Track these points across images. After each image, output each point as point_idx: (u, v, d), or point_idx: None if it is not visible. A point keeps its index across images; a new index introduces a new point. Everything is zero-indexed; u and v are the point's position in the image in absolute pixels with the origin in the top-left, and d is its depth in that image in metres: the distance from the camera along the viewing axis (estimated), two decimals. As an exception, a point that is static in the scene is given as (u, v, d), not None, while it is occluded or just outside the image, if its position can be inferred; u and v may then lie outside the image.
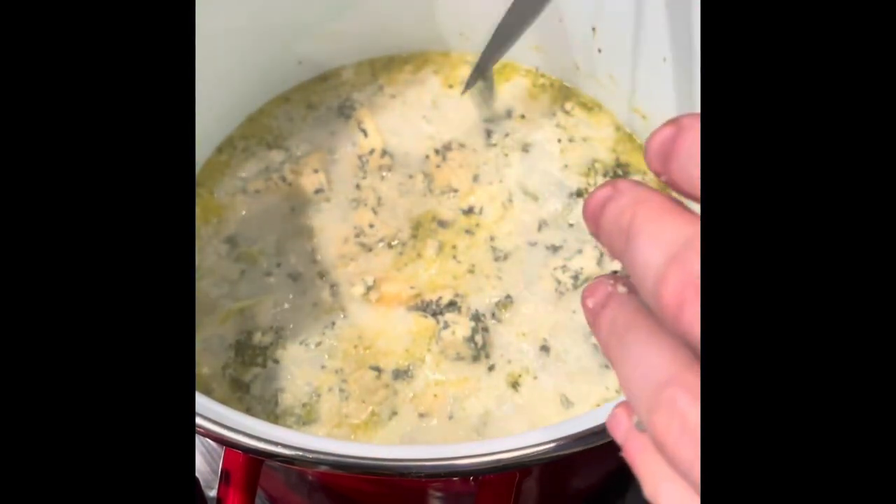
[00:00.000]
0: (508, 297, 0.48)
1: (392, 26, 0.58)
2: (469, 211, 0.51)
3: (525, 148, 0.54)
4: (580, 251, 0.49)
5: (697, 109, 0.46)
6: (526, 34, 0.55)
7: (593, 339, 0.45)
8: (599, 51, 0.53)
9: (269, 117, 0.57)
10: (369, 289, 0.48)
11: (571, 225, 0.50)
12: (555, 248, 0.50)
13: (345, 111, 0.57)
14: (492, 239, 0.50)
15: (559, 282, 0.48)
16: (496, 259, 0.49)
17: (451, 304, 0.47)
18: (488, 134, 0.55)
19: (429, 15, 0.57)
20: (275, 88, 0.58)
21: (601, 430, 0.29)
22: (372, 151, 0.54)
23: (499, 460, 0.29)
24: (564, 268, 0.49)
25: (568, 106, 0.56)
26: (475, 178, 0.53)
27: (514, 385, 0.45)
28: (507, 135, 0.55)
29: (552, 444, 0.29)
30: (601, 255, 0.49)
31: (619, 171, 0.53)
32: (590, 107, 0.56)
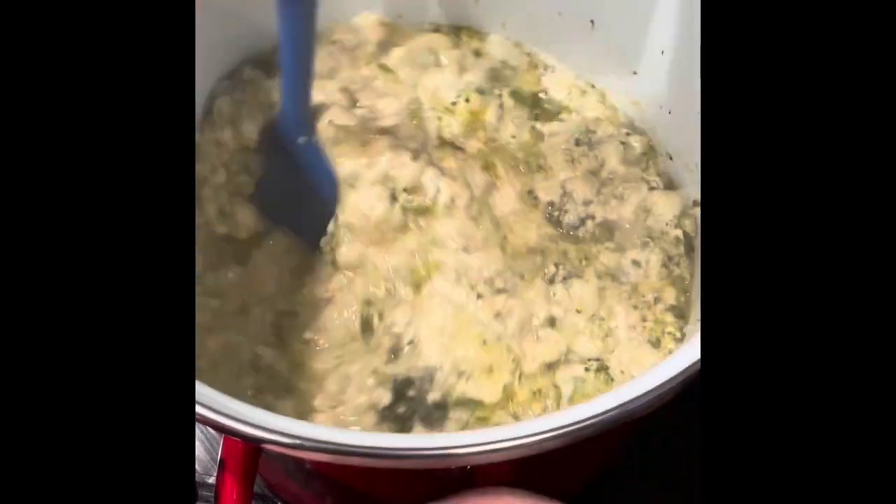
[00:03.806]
0: None
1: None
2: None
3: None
4: None
5: (696, 101, 0.46)
6: (524, 27, 0.55)
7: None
8: (598, 44, 0.53)
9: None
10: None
11: None
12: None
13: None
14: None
15: None
16: None
17: None
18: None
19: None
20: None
21: (600, 419, 0.30)
22: None
23: (497, 449, 0.29)
24: None
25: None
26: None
27: None
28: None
29: (550, 434, 0.29)
30: None
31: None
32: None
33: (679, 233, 0.48)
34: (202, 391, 0.31)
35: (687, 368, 0.31)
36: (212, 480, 0.49)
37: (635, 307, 0.46)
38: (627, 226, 0.49)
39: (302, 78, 0.46)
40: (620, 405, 0.30)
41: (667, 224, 0.49)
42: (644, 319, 0.46)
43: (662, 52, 0.48)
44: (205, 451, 0.54)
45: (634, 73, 0.52)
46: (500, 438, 0.30)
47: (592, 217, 0.50)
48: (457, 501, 0.33)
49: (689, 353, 0.31)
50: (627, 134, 0.53)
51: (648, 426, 0.50)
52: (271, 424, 0.30)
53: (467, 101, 0.54)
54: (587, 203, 0.50)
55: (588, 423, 0.30)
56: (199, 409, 0.30)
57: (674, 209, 0.49)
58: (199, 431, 0.54)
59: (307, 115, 0.48)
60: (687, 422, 0.42)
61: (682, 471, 0.50)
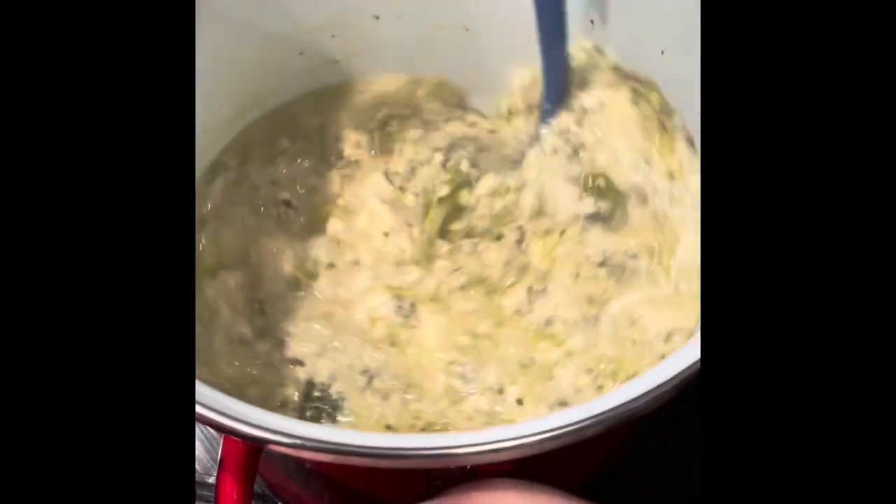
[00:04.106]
0: None
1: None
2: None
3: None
4: None
5: (696, 101, 0.46)
6: (524, 28, 0.55)
7: None
8: (598, 43, 0.53)
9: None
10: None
11: None
12: None
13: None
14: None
15: None
16: None
17: None
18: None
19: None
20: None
21: (600, 419, 0.30)
22: None
23: (497, 449, 0.29)
24: None
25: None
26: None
27: None
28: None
29: (550, 434, 0.29)
30: None
31: None
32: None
33: (668, 349, 0.41)
34: (202, 391, 0.31)
35: (686, 368, 0.31)
36: (212, 480, 0.49)
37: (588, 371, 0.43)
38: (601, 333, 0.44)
39: (555, 49, 0.47)
40: (620, 405, 0.30)
41: (654, 338, 0.42)
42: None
43: (662, 52, 0.48)
44: (205, 451, 0.54)
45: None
46: (500, 438, 0.30)
47: (564, 321, 0.45)
48: (458, 494, 0.33)
49: (688, 353, 0.31)
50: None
51: (648, 426, 0.50)
52: (272, 424, 0.30)
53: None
54: (558, 307, 0.45)
55: (588, 423, 0.30)
56: (199, 409, 0.30)
57: (665, 324, 0.42)
58: (199, 431, 0.54)
59: (558, 87, 0.49)
60: (686, 422, 0.43)
61: (682, 471, 0.50)
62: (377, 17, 0.58)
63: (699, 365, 0.30)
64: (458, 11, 0.58)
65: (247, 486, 0.35)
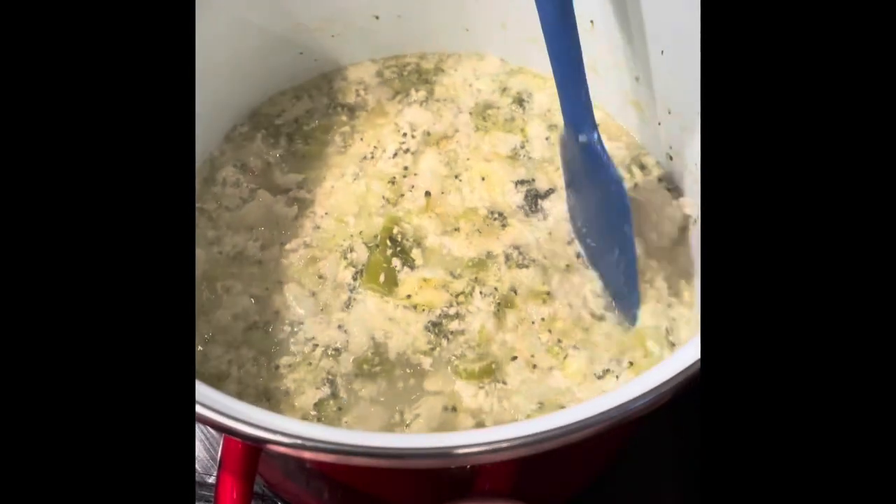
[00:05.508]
0: None
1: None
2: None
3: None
4: None
5: (696, 100, 0.46)
6: (523, 28, 0.55)
7: None
8: (598, 44, 0.53)
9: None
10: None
11: None
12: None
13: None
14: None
15: None
16: None
17: None
18: (483, 118, 0.56)
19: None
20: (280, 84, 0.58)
21: (599, 419, 0.30)
22: None
23: (497, 449, 0.29)
24: None
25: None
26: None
27: None
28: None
29: (550, 434, 0.29)
30: None
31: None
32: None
33: None
34: (202, 391, 0.31)
35: (686, 369, 0.31)
36: (212, 480, 0.49)
37: None
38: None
39: (571, 72, 0.43)
40: (620, 405, 0.30)
41: None
42: None
43: (662, 52, 0.48)
44: (205, 451, 0.54)
45: (637, 77, 0.52)
46: (500, 438, 0.30)
47: None
48: None
49: (688, 353, 0.31)
50: None
51: (648, 426, 0.50)
52: (271, 424, 0.30)
53: None
54: None
55: (588, 422, 0.30)
56: (199, 409, 0.30)
57: None
58: (199, 431, 0.54)
59: (583, 111, 0.45)
60: (687, 422, 0.43)
61: (682, 471, 0.50)
62: (377, 17, 0.58)
63: (699, 365, 0.30)
64: (458, 11, 0.58)
65: (247, 486, 0.35)
